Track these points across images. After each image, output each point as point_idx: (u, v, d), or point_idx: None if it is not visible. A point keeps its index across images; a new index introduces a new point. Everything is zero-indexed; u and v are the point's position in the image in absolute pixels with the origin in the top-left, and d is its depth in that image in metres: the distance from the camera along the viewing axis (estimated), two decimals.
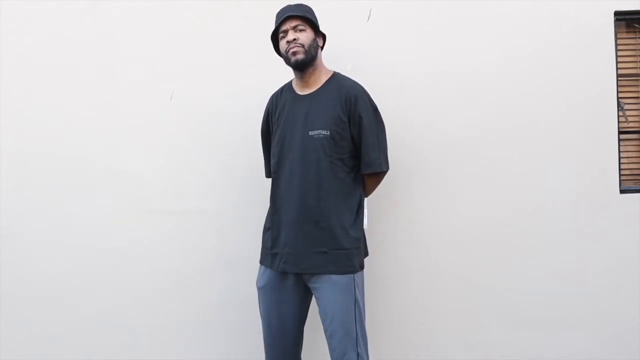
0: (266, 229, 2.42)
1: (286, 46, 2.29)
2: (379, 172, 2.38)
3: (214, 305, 2.81)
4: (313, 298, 2.38)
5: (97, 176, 2.80)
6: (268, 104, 2.50)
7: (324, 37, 2.42)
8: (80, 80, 2.81)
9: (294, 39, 2.27)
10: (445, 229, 2.80)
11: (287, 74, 2.47)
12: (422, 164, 2.80)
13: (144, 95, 2.81)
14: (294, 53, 2.27)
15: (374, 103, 2.37)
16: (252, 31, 2.79)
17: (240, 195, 2.79)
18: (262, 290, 2.38)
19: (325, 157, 2.26)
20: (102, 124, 2.81)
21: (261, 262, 2.43)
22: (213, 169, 2.80)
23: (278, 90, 2.49)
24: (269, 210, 2.41)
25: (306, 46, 2.28)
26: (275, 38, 2.39)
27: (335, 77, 2.39)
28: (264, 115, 2.51)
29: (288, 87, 2.46)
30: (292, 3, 2.41)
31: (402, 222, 2.81)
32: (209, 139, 2.80)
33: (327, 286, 2.25)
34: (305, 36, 2.29)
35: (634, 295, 2.79)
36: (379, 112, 2.38)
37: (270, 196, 2.39)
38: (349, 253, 2.28)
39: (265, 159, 2.56)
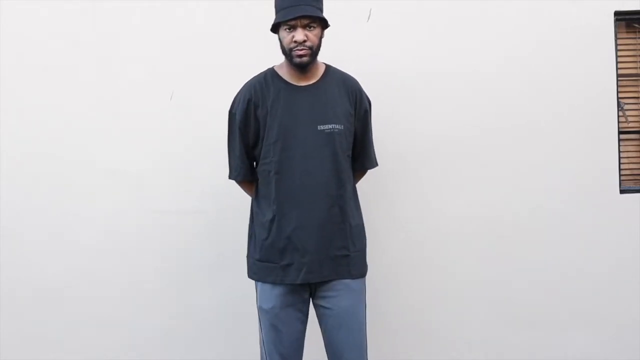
0: (262, 240, 2.15)
1: (292, 45, 2.06)
2: (370, 168, 2.36)
3: (214, 306, 2.81)
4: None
5: (97, 176, 2.80)
6: (247, 94, 2.17)
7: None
8: (80, 80, 2.81)
9: (304, 41, 2.05)
10: (445, 229, 2.80)
11: None
12: (422, 163, 2.80)
13: (144, 95, 2.81)
14: (300, 56, 2.06)
15: (368, 96, 2.29)
16: (252, 31, 2.79)
17: (241, 195, 2.78)
18: (270, 312, 2.12)
19: (341, 152, 2.11)
20: (102, 124, 2.81)
21: (262, 279, 2.16)
22: (213, 169, 2.80)
23: (259, 79, 2.19)
24: (259, 219, 2.17)
25: (314, 48, 2.08)
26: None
27: (330, 68, 2.23)
28: (241, 106, 2.17)
29: (273, 75, 2.19)
30: None
31: (402, 221, 2.81)
32: (209, 139, 2.79)
33: (344, 293, 2.10)
34: (315, 35, 2.07)
35: (634, 295, 2.79)
36: (371, 106, 2.31)
37: (266, 201, 2.15)
38: (364, 254, 2.21)
39: (237, 159, 2.22)
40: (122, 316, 2.82)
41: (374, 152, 2.32)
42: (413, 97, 2.80)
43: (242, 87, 2.23)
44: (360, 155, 2.27)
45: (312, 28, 2.07)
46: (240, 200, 2.78)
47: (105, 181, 2.80)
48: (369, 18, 2.80)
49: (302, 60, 2.07)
